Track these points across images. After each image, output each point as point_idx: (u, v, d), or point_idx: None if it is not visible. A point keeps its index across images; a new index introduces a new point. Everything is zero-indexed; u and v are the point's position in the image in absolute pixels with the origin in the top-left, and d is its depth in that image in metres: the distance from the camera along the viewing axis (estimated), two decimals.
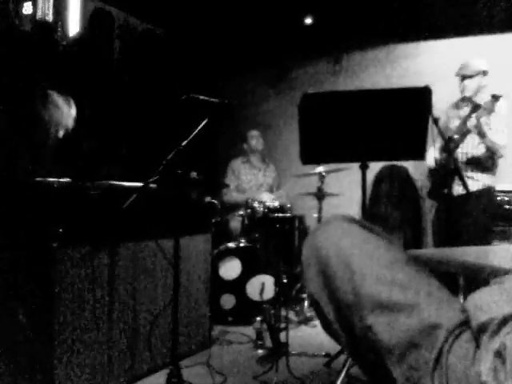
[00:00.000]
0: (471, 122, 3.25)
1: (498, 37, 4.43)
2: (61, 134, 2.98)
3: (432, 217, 3.83)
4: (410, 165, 4.76)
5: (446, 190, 3.46)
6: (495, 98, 3.09)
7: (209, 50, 5.23)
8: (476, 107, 3.43)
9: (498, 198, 3.76)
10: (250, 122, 5.17)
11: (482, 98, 3.42)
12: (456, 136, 3.36)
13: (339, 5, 4.62)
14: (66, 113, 2.95)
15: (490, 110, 3.14)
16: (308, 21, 4.87)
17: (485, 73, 3.53)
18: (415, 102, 2.25)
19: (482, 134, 3.26)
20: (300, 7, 4.78)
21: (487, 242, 3.48)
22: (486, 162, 3.46)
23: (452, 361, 0.67)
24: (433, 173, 3.64)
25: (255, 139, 4.66)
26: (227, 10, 4.70)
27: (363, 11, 4.60)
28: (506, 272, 1.12)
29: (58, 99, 2.93)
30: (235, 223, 4.24)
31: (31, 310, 2.04)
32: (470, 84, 3.52)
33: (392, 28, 4.69)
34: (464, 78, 3.55)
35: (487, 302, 0.68)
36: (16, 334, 2.06)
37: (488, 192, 3.47)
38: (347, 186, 4.19)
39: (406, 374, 0.72)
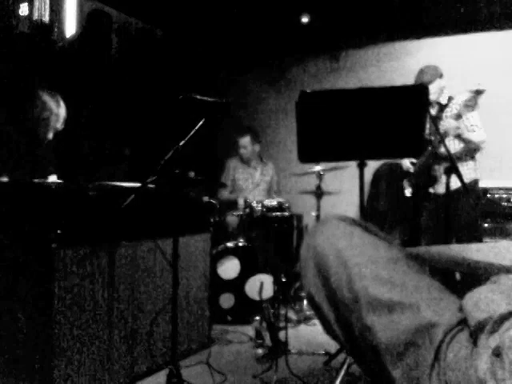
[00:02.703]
0: (444, 123, 3.30)
1: (499, 33, 4.42)
2: (51, 135, 2.97)
3: (423, 217, 3.81)
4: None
5: (432, 190, 3.54)
6: (478, 92, 3.00)
7: (207, 50, 5.23)
8: (443, 107, 3.54)
9: (497, 196, 3.78)
10: (248, 122, 5.16)
11: (444, 98, 3.55)
12: (433, 138, 3.40)
13: (338, 2, 4.62)
14: (56, 113, 2.94)
15: (473, 106, 3.12)
16: (305, 19, 4.86)
17: (441, 76, 3.59)
18: (412, 100, 2.25)
19: (457, 136, 3.32)
20: (298, 5, 4.77)
21: (477, 237, 3.50)
22: (465, 158, 3.50)
23: (450, 360, 0.67)
24: (415, 174, 3.66)
25: (244, 149, 4.56)
26: (226, 10, 4.70)
27: (362, 9, 4.60)
28: (503, 269, 1.12)
29: (48, 100, 2.92)
30: (233, 222, 4.25)
31: (31, 311, 2.04)
32: (432, 88, 3.53)
33: (391, 26, 4.69)
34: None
35: (485, 301, 0.68)
36: (16, 334, 2.05)
37: (473, 186, 3.51)
38: (345, 184, 4.19)
39: (404, 373, 0.72)
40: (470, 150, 3.50)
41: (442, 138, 3.03)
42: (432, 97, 3.58)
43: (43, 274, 2.02)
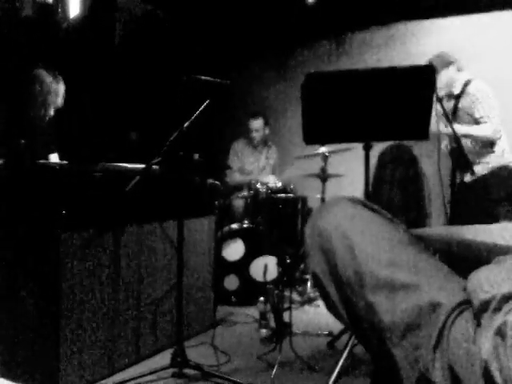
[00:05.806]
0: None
1: (503, 14, 4.34)
2: (51, 111, 2.99)
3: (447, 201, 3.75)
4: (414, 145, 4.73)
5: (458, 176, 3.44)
6: None
7: (213, 35, 5.17)
8: (457, 97, 3.40)
9: None
10: (254, 106, 5.13)
11: (457, 88, 3.40)
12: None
13: None
14: (55, 90, 2.95)
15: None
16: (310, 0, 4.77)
17: (450, 64, 3.40)
18: (419, 81, 2.22)
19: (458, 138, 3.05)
20: None
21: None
22: (485, 148, 3.38)
23: (453, 339, 0.67)
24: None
25: (257, 132, 4.52)
26: None
27: None
28: (507, 250, 1.12)
29: (45, 77, 2.93)
30: (238, 204, 4.25)
31: (36, 293, 2.05)
32: (439, 81, 3.36)
33: (395, 8, 4.59)
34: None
35: (488, 281, 0.68)
36: (21, 315, 2.07)
37: (500, 171, 3.38)
38: (351, 166, 4.17)
39: (407, 353, 0.72)
40: (485, 143, 3.36)
41: (448, 118, 2.97)
42: (442, 92, 3.40)
43: (48, 257, 2.03)
